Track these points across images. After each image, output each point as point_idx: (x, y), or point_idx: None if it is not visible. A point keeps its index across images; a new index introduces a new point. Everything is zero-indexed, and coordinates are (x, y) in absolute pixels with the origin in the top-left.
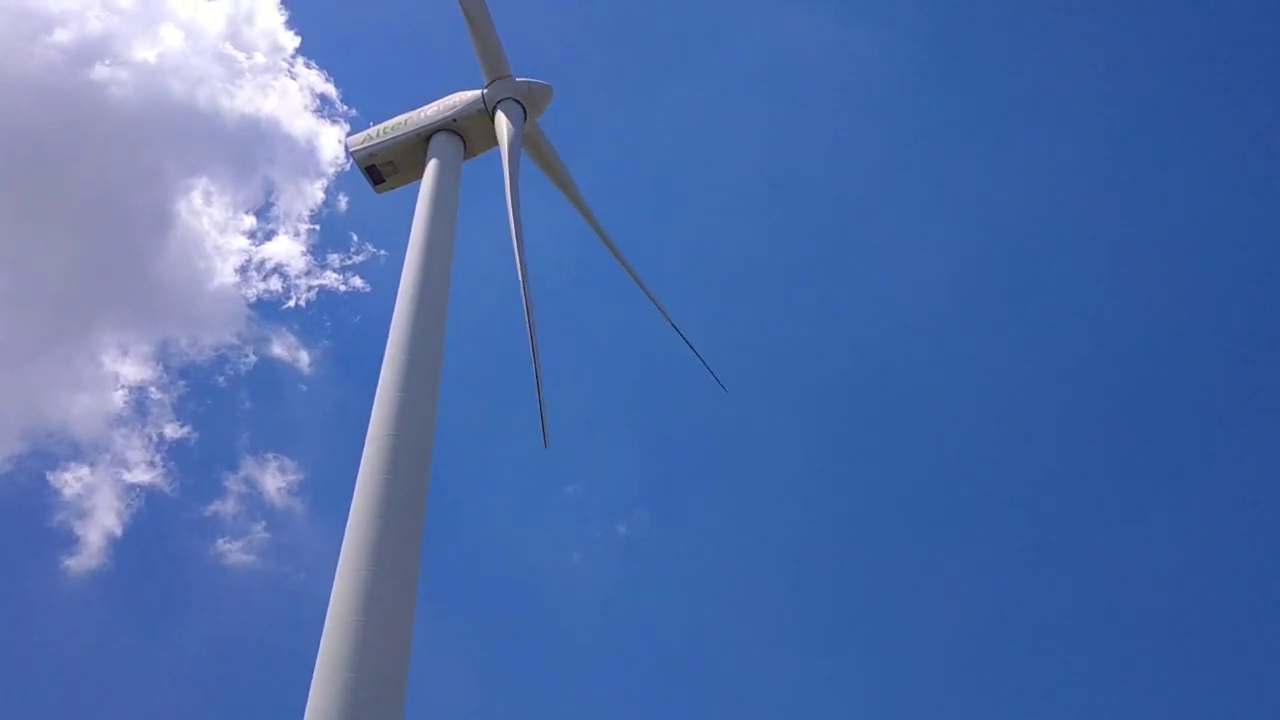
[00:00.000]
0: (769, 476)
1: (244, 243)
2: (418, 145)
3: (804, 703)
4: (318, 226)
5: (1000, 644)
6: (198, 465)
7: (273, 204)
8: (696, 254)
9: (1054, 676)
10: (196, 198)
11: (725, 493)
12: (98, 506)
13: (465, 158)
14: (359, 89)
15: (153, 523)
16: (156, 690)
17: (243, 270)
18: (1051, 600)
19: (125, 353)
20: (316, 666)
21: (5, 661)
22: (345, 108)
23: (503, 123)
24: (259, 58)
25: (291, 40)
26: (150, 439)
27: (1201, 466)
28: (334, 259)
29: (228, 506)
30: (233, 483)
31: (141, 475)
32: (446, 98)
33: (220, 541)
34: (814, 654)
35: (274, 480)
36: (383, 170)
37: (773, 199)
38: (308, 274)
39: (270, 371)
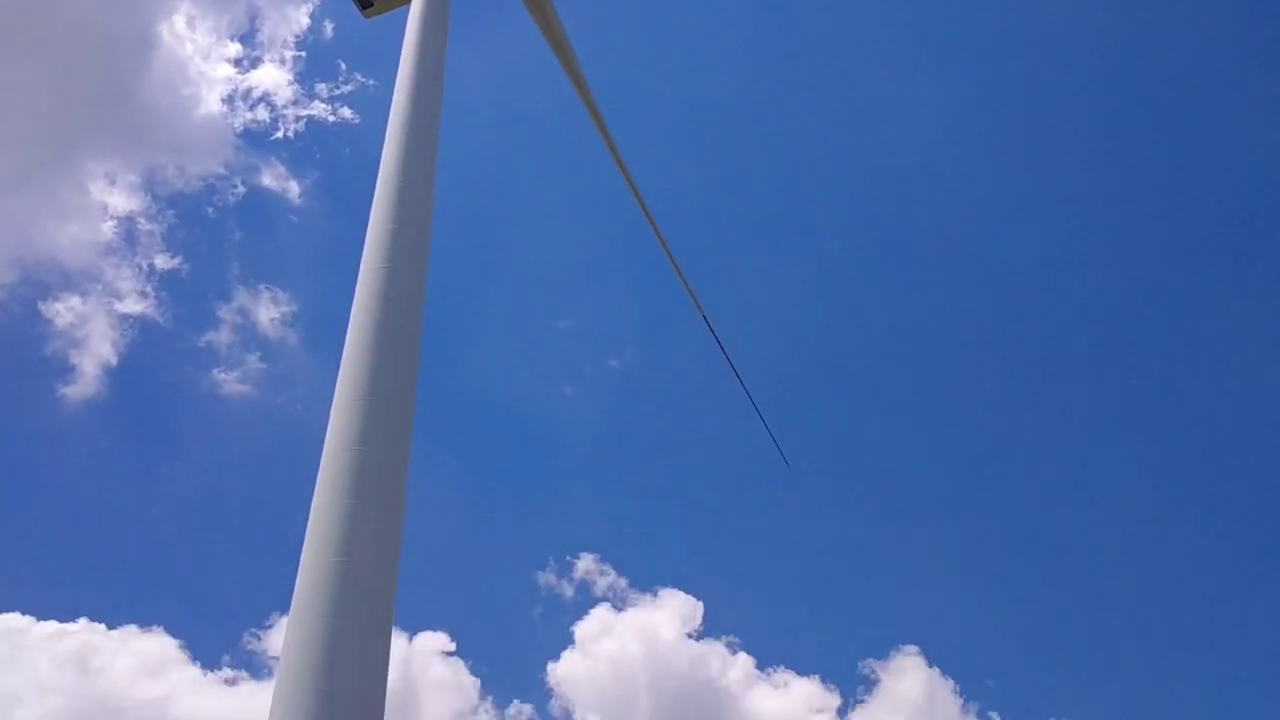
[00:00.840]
0: (764, 310)
1: (229, 70)
2: None
3: (790, 527)
4: (304, 54)
5: (994, 472)
6: (190, 296)
7: (257, 30)
8: (689, 85)
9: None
10: (179, 21)
11: (718, 326)
12: (91, 336)
13: None
14: None
15: (147, 352)
16: (154, 517)
17: (229, 99)
18: (1055, 419)
19: (112, 182)
20: (316, 493)
21: (3, 488)
22: None
23: None
24: None
25: None
26: (141, 269)
27: (1179, 297)
28: (322, 89)
29: (222, 337)
30: (226, 313)
31: (133, 305)
32: None
33: (215, 371)
34: (802, 481)
35: (267, 311)
36: None
37: (765, 29)
38: (295, 104)
39: (260, 202)
